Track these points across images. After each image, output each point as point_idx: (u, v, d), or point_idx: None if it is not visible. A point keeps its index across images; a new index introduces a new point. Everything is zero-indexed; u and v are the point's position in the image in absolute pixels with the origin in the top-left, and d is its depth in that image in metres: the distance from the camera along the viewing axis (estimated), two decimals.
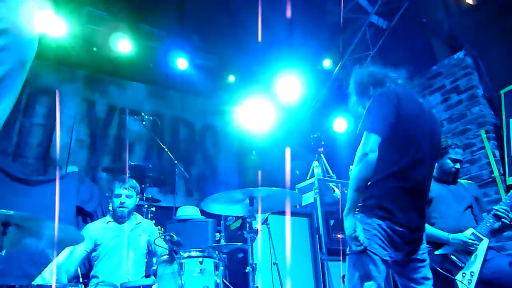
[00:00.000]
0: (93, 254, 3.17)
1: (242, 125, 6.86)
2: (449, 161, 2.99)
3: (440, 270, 2.53)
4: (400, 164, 2.03)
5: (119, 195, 3.24)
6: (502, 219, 2.70)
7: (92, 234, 3.17)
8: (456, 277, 2.60)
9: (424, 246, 2.16)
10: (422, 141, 2.11)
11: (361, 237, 1.92)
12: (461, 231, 2.75)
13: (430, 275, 2.13)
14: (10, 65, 0.72)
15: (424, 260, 2.14)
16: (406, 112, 2.08)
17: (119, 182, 3.31)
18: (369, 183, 2.02)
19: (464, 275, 2.62)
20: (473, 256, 2.66)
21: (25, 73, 0.79)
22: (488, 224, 2.71)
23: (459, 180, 3.12)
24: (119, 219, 3.29)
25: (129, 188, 3.28)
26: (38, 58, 5.54)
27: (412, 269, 2.10)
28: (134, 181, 3.41)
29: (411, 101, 2.18)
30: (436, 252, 2.74)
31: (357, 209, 2.01)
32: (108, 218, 3.35)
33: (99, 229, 3.23)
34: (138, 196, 3.44)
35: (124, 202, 3.23)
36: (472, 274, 2.61)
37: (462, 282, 2.58)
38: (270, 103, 6.50)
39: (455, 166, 2.99)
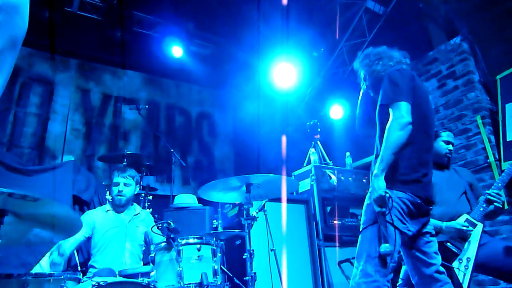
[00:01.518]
0: (92, 242, 3.17)
1: (238, 112, 6.84)
2: (442, 143, 3.01)
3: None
4: (417, 137, 2.12)
5: (117, 184, 3.25)
6: (494, 203, 2.71)
7: (91, 220, 3.18)
8: (453, 265, 2.62)
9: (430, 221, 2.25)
10: (431, 118, 2.31)
11: (389, 201, 1.98)
12: (457, 218, 2.77)
13: (437, 249, 2.21)
14: (0, 43, 0.70)
15: (434, 235, 2.23)
16: (419, 90, 2.24)
17: (118, 170, 3.32)
18: None
19: (460, 261, 2.64)
20: (468, 242, 2.68)
21: (16, 53, 0.77)
22: (481, 209, 2.73)
23: (452, 165, 3.13)
24: (118, 208, 3.30)
25: (128, 177, 3.28)
26: (31, 46, 5.48)
27: (425, 243, 2.18)
28: (133, 170, 3.41)
29: (420, 81, 2.35)
30: None
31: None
32: (108, 206, 3.35)
33: (98, 216, 3.24)
34: (137, 186, 3.44)
35: (122, 191, 3.23)
36: (469, 259, 2.62)
37: (459, 269, 2.60)
38: (266, 90, 6.47)
39: (449, 148, 3.00)
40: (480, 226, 2.70)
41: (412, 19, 5.36)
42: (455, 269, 2.61)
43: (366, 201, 2.17)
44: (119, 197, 3.24)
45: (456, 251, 2.68)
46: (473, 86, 4.58)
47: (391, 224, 1.99)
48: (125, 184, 3.25)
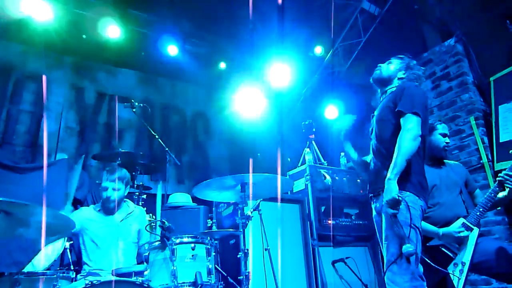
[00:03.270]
0: (83, 241, 3.10)
1: (233, 112, 6.83)
2: (439, 136, 3.00)
3: (432, 264, 2.53)
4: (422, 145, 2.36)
5: (106, 188, 3.10)
6: (505, 184, 2.68)
7: (81, 217, 3.09)
8: (448, 269, 2.61)
9: None
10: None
11: (402, 204, 2.13)
12: (454, 221, 2.76)
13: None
14: None
15: None
16: (427, 110, 2.43)
17: (107, 173, 3.14)
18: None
19: (456, 265, 2.63)
20: (463, 246, 2.68)
21: None
22: (478, 213, 2.72)
23: (446, 161, 3.12)
24: (108, 210, 3.19)
25: (117, 180, 3.10)
26: (24, 44, 5.43)
27: None
28: (123, 170, 3.24)
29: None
30: (428, 244, 2.73)
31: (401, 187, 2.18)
32: (99, 206, 3.26)
33: (88, 214, 3.15)
34: (128, 186, 3.27)
35: (110, 196, 3.08)
36: (464, 264, 2.61)
37: (453, 274, 2.59)
38: (262, 90, 6.47)
39: (446, 141, 3.00)
40: (476, 230, 2.69)
41: (407, 20, 5.39)
42: (450, 273, 2.60)
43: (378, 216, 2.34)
44: (107, 204, 3.13)
45: (451, 256, 2.67)
46: (467, 87, 4.62)
47: (409, 224, 2.11)
48: (113, 189, 3.10)
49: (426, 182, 2.36)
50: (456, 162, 3.25)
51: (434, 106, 4.91)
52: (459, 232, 2.67)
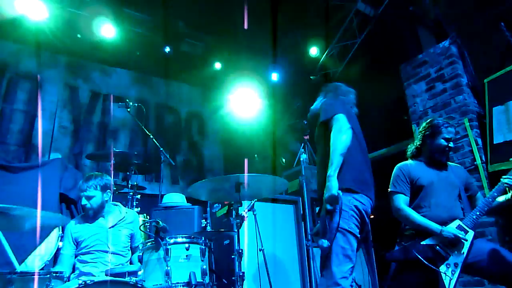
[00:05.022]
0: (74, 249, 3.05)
1: (228, 112, 6.83)
2: (442, 140, 2.98)
3: (425, 262, 2.53)
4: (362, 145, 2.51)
5: (80, 197, 3.04)
6: (507, 187, 2.69)
7: (73, 235, 3.03)
8: (440, 269, 2.61)
9: None
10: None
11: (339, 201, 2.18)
12: (449, 223, 2.75)
13: None
14: None
15: None
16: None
17: (81, 182, 3.06)
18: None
19: (448, 266, 2.63)
20: (457, 247, 2.69)
21: None
22: (474, 217, 2.71)
23: (448, 163, 3.09)
24: (90, 217, 3.10)
25: (88, 188, 3.00)
26: (18, 42, 5.40)
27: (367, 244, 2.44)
28: (98, 177, 3.10)
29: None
30: (423, 243, 2.71)
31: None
32: (83, 213, 3.16)
33: (77, 228, 3.06)
34: (108, 190, 3.12)
35: (86, 205, 3.01)
36: (456, 265, 2.62)
37: (445, 274, 2.59)
38: (256, 90, 6.47)
39: (449, 145, 2.98)
40: (471, 233, 2.70)
41: (402, 21, 5.41)
42: (441, 273, 2.61)
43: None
44: (85, 211, 3.07)
45: (444, 255, 2.67)
46: (461, 89, 4.64)
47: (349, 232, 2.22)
48: (87, 197, 3.01)
49: (368, 176, 2.43)
50: (457, 165, 3.21)
51: (428, 107, 4.93)
52: (460, 235, 2.65)
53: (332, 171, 2.19)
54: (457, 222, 2.74)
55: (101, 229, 3.05)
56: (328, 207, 2.18)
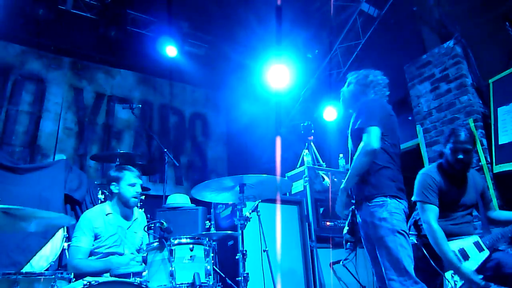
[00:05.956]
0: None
1: (232, 113, 6.83)
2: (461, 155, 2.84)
3: (432, 263, 2.54)
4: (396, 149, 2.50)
5: (134, 184, 3.01)
6: None
7: (94, 227, 2.89)
8: (445, 274, 2.59)
9: None
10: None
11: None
12: (459, 238, 2.72)
13: None
14: None
15: None
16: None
17: (130, 170, 3.06)
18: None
19: (453, 275, 2.59)
20: (468, 259, 2.62)
21: None
22: (495, 239, 2.68)
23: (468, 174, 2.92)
24: (127, 211, 3.06)
25: (140, 177, 3.09)
26: (23, 44, 5.43)
27: None
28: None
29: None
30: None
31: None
32: (108, 209, 3.01)
33: (98, 222, 2.93)
34: None
35: (139, 192, 3.02)
36: None
37: (448, 281, 2.57)
38: (260, 91, 6.47)
39: (457, 156, 2.76)
40: (486, 253, 2.65)
41: (406, 22, 5.40)
42: (445, 278, 2.59)
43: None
44: (135, 199, 3.02)
45: None
46: (466, 89, 4.62)
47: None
48: (141, 186, 3.06)
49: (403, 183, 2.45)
50: (474, 171, 3.04)
51: (433, 108, 4.91)
52: (477, 281, 2.47)
53: (343, 187, 2.42)
54: (475, 238, 2.70)
55: (119, 229, 2.98)
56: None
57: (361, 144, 2.31)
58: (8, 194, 3.48)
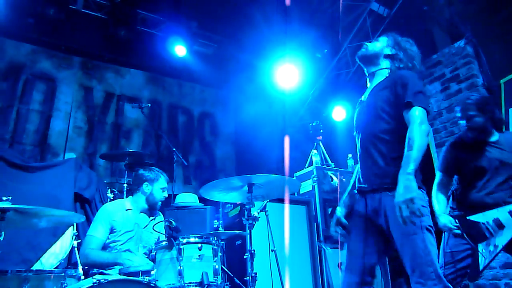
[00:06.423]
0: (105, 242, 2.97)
1: (240, 112, 6.84)
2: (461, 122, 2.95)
3: (466, 237, 2.64)
4: None
5: (164, 189, 3.20)
6: None
7: (111, 218, 2.97)
8: (479, 247, 2.62)
9: None
10: None
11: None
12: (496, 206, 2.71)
13: None
14: None
15: None
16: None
17: (164, 176, 3.24)
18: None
19: (488, 245, 2.61)
20: (503, 230, 2.60)
21: None
22: None
23: (494, 137, 2.90)
24: (147, 210, 3.16)
25: (169, 183, 3.32)
26: (34, 43, 5.49)
27: None
28: None
29: None
30: (469, 217, 2.70)
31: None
32: (128, 204, 3.12)
33: (117, 215, 3.01)
34: None
35: (166, 196, 3.23)
36: (496, 246, 2.57)
37: (482, 254, 2.59)
38: (269, 91, 6.47)
39: (464, 124, 2.92)
40: None
41: (416, 21, 5.35)
42: (479, 252, 2.61)
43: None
44: (161, 203, 3.21)
45: (487, 236, 2.62)
46: (477, 89, 4.57)
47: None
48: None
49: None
50: (509, 133, 3.10)
51: (443, 108, 4.87)
52: (451, 228, 2.73)
53: (412, 171, 1.87)
54: (508, 208, 2.65)
55: (137, 227, 3.05)
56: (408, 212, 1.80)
57: (417, 121, 1.97)
58: (19, 192, 3.52)
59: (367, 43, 2.43)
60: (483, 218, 2.66)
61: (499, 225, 2.62)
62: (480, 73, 4.68)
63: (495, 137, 2.85)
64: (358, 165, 2.31)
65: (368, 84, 2.42)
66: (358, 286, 2.08)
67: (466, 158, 2.84)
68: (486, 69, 4.68)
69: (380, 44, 2.40)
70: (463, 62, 4.73)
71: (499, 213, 2.65)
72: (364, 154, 2.22)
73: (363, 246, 2.13)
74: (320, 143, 4.96)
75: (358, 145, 2.31)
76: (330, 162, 4.91)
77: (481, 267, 2.56)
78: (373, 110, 2.20)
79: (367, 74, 2.46)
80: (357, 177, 2.29)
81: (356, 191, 2.27)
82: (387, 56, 2.37)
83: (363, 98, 2.38)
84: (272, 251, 3.40)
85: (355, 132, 2.38)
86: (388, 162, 2.07)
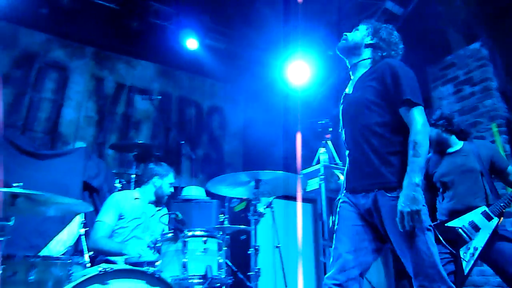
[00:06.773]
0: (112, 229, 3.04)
1: (249, 107, 6.83)
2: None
3: (445, 243, 2.68)
4: None
5: (172, 184, 3.37)
6: None
7: (120, 205, 3.06)
8: (460, 251, 2.69)
9: None
10: None
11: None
12: (467, 211, 2.78)
13: None
14: None
15: None
16: None
17: (173, 172, 3.41)
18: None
19: (468, 248, 2.69)
20: (480, 232, 2.69)
21: None
22: (502, 204, 2.69)
23: (462, 143, 3.00)
24: (154, 201, 3.28)
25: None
26: (48, 32, 5.53)
27: None
28: None
29: None
30: (447, 224, 2.79)
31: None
32: (136, 194, 3.24)
33: (126, 203, 3.11)
34: None
35: (172, 191, 3.39)
36: (476, 249, 2.66)
37: (463, 258, 2.66)
38: (279, 87, 6.44)
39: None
40: (495, 220, 2.68)
41: (431, 22, 5.28)
42: (460, 257, 2.68)
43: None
44: (165, 198, 3.35)
45: (466, 239, 2.71)
46: (491, 93, 4.51)
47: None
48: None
49: None
50: (482, 141, 3.10)
51: (455, 111, 4.82)
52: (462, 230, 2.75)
53: (419, 181, 1.78)
54: (482, 208, 2.74)
55: (144, 215, 3.16)
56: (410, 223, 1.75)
57: (421, 122, 1.87)
58: (29, 178, 3.56)
59: (346, 33, 2.32)
60: (459, 222, 2.76)
61: (475, 227, 2.72)
62: (495, 76, 4.61)
63: (457, 146, 2.97)
64: (347, 163, 2.20)
65: (352, 77, 2.30)
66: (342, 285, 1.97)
67: (433, 170, 2.99)
68: (502, 73, 4.61)
69: (360, 34, 2.28)
70: (478, 65, 4.66)
71: (473, 215, 2.74)
72: (355, 150, 2.11)
73: (351, 244, 2.00)
74: (329, 141, 4.93)
75: (346, 141, 2.21)
76: (338, 161, 4.87)
77: (466, 271, 2.63)
78: (362, 103, 2.06)
79: (349, 66, 2.34)
80: (345, 176, 2.21)
81: (346, 191, 2.16)
82: (368, 45, 2.25)
83: (347, 91, 2.27)
84: (276, 247, 3.40)
85: (341, 128, 2.28)
86: (383, 159, 1.94)
